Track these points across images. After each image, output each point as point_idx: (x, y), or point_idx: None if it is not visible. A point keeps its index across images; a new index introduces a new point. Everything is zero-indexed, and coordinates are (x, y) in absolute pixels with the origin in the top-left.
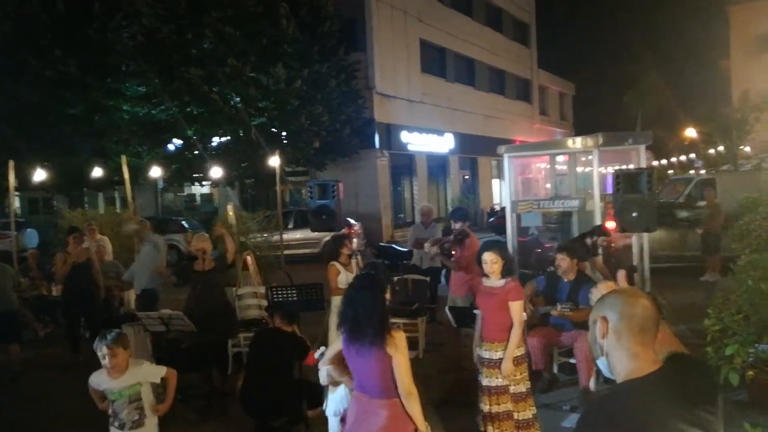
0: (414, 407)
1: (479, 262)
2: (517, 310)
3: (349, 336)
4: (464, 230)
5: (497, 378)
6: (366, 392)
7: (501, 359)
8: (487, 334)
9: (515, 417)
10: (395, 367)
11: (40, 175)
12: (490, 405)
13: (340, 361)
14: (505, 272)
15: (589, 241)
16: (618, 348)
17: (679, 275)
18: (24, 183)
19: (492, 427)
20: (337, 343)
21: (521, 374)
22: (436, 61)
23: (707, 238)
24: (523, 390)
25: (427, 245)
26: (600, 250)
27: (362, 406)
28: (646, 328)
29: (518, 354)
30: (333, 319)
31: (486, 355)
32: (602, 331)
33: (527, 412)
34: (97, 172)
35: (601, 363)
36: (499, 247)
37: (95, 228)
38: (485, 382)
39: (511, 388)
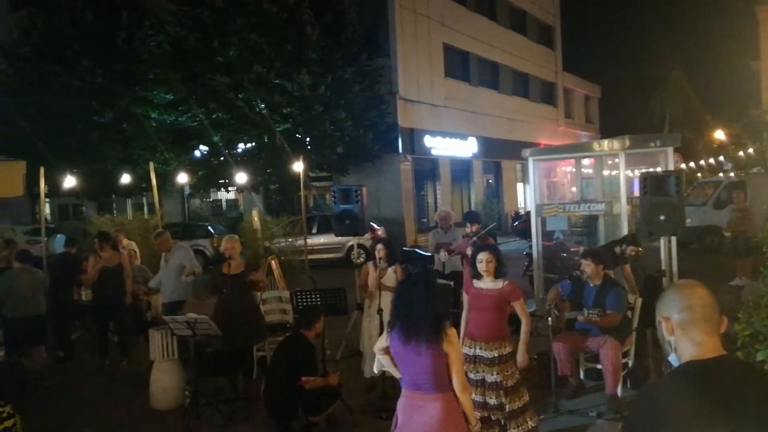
0: (468, 402)
1: (473, 263)
2: (522, 308)
3: (403, 332)
4: (480, 232)
5: (493, 374)
6: (419, 388)
7: (497, 357)
8: (481, 334)
9: (506, 409)
10: (452, 363)
11: (69, 181)
12: (485, 397)
13: (389, 353)
14: (499, 274)
15: (618, 249)
16: (684, 339)
17: (708, 279)
18: (54, 190)
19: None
20: (385, 336)
21: (511, 369)
22: (459, 65)
23: (737, 241)
24: (515, 383)
25: (443, 254)
26: (628, 259)
27: (415, 402)
28: (707, 315)
29: (509, 350)
30: (366, 321)
31: (483, 353)
32: (668, 329)
33: (519, 402)
34: (126, 178)
35: (672, 359)
36: (492, 247)
37: (122, 237)
38: (487, 378)
39: (505, 383)
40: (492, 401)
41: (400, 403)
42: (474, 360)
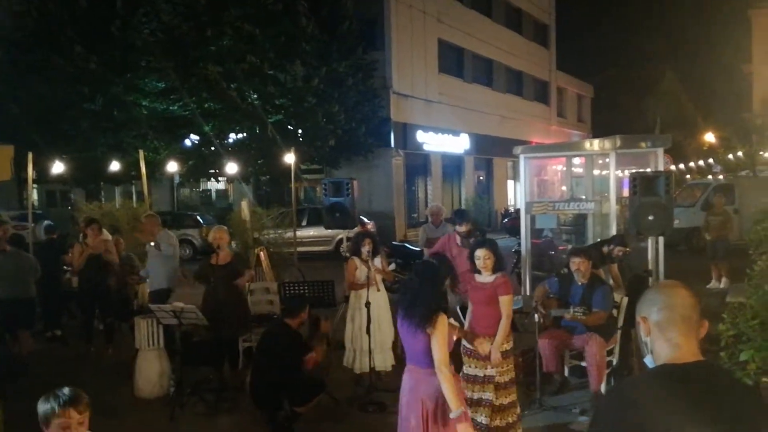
0: (445, 383)
1: (472, 259)
2: (506, 304)
3: (403, 314)
4: (474, 230)
5: (486, 369)
6: (418, 364)
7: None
8: (479, 328)
9: (494, 403)
10: (432, 344)
11: (58, 167)
12: (473, 392)
13: None
14: (496, 268)
15: (605, 249)
16: (661, 339)
17: (694, 280)
18: (42, 175)
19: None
20: None
21: (507, 366)
22: (453, 61)
23: (717, 244)
24: (507, 380)
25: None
26: (616, 259)
27: (415, 377)
28: (686, 316)
29: (507, 348)
30: (350, 314)
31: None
32: (645, 330)
33: (507, 398)
34: (115, 166)
35: (648, 360)
36: (491, 243)
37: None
38: (471, 372)
39: (497, 378)
40: (479, 395)
41: (404, 378)
42: (476, 356)
